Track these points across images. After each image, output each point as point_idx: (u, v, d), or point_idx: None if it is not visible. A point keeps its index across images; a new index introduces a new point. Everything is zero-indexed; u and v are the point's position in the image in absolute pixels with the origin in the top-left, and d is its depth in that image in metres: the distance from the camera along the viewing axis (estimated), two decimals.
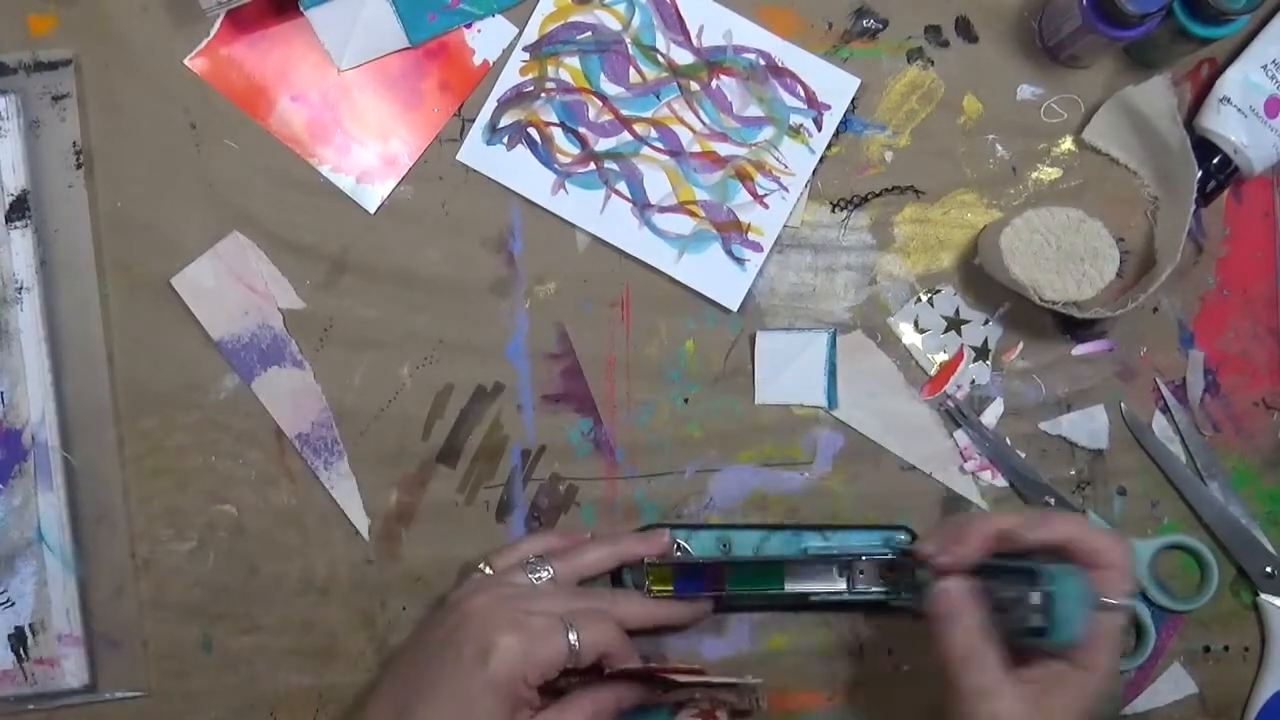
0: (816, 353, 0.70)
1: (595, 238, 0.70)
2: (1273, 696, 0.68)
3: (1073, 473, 0.70)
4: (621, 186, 0.70)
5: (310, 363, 0.70)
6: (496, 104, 0.71)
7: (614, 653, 0.61)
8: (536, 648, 0.59)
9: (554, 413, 0.70)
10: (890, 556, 0.66)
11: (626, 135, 0.71)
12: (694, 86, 0.71)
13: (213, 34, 0.71)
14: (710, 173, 0.70)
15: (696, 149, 0.71)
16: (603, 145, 0.70)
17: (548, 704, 0.61)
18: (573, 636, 0.59)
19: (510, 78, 0.71)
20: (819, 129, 0.70)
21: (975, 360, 0.70)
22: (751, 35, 0.71)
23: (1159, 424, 0.70)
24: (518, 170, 0.70)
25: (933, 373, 0.70)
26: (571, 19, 0.71)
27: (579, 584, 0.66)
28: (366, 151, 0.71)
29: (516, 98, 0.71)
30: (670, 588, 0.65)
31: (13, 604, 0.68)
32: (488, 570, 0.65)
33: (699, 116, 0.71)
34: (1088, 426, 0.70)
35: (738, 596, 0.66)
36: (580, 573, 0.66)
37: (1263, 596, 0.69)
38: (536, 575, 0.64)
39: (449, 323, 0.70)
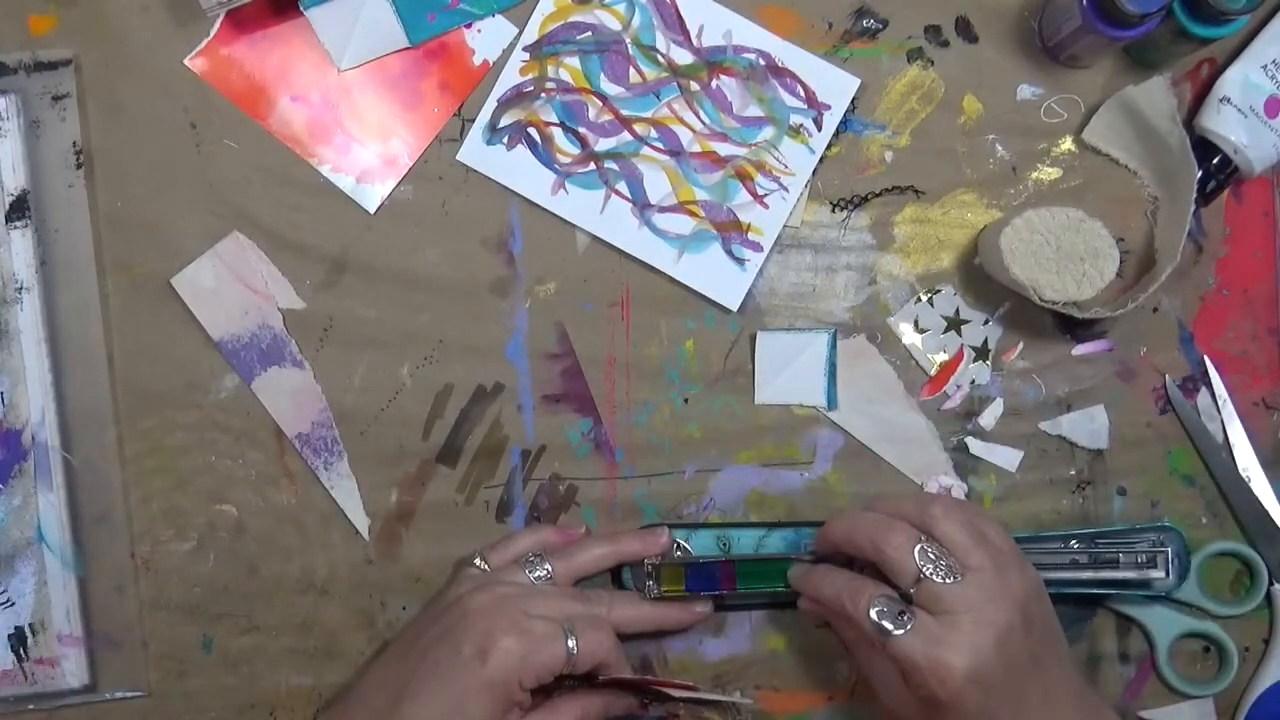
0: (816, 353, 0.70)
1: (595, 238, 0.70)
2: (1272, 686, 0.68)
3: (1072, 473, 0.70)
4: (621, 186, 0.70)
5: (310, 363, 0.70)
6: (496, 104, 0.71)
7: (609, 661, 0.61)
8: (536, 652, 0.59)
9: (554, 413, 0.70)
10: None
11: (626, 135, 0.71)
12: (694, 86, 0.71)
13: (213, 34, 0.71)
14: (710, 173, 0.70)
15: (696, 149, 0.70)
16: (603, 145, 0.70)
17: (538, 704, 0.61)
18: (571, 643, 0.60)
19: (510, 78, 0.71)
20: (819, 129, 0.70)
21: (975, 360, 0.70)
22: (751, 35, 0.71)
23: (1201, 403, 0.70)
24: (518, 170, 0.70)
25: (933, 373, 0.70)
26: (571, 19, 0.71)
27: (576, 582, 0.66)
28: (366, 151, 0.71)
29: (516, 98, 0.71)
30: (681, 587, 0.65)
31: (13, 604, 0.68)
32: (484, 566, 0.65)
33: (699, 116, 0.71)
34: (1088, 426, 0.70)
35: (743, 595, 0.66)
36: (579, 572, 0.66)
37: (1277, 587, 0.68)
38: (536, 574, 0.64)
39: (449, 323, 0.70)
